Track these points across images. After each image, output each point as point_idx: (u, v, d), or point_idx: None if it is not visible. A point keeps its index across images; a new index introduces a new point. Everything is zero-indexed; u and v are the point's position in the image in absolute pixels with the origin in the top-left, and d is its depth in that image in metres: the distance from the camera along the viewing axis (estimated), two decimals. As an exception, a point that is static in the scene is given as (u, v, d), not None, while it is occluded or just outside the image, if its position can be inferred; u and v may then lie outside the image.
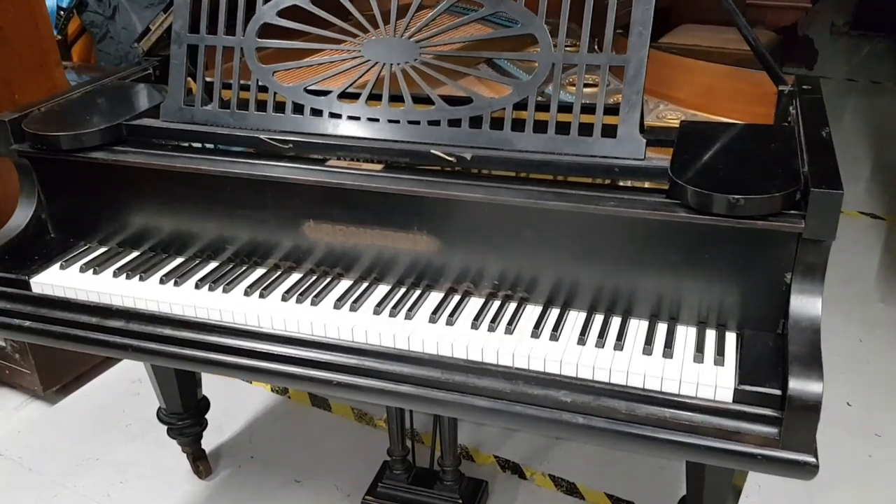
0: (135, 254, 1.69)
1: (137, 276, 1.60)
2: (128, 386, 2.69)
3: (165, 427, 2.19)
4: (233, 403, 2.57)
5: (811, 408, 1.18)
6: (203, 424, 2.23)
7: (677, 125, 1.53)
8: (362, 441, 2.41)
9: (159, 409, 2.17)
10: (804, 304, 1.27)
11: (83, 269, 1.64)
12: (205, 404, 2.22)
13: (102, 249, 1.71)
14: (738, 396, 1.24)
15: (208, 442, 2.40)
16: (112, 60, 3.28)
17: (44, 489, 2.28)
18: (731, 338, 1.35)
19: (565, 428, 1.31)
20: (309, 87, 1.57)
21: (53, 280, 1.62)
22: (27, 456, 2.41)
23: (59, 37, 3.15)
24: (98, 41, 3.30)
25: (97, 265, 1.64)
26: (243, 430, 2.50)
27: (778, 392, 1.21)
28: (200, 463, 2.29)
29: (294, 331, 1.46)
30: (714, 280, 1.33)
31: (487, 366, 1.35)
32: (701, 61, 1.87)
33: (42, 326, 1.61)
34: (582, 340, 1.35)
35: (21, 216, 1.72)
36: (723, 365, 1.28)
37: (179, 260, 1.65)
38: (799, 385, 1.18)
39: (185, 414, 2.16)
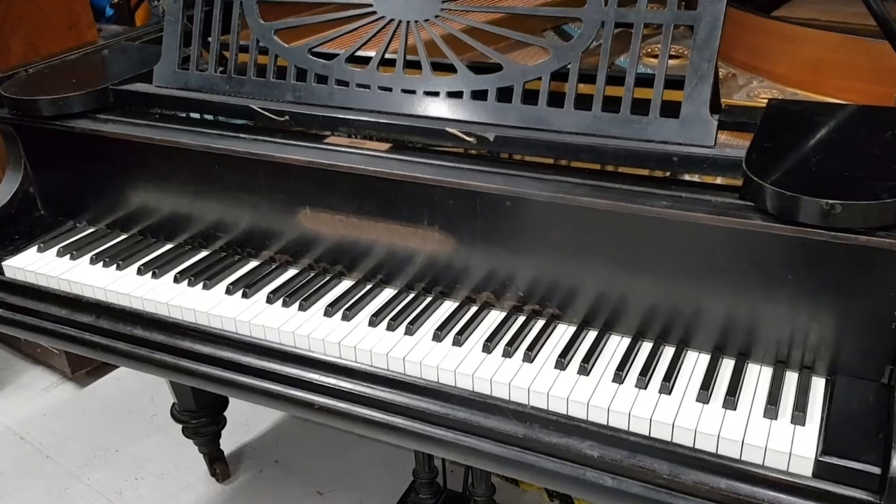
0: (121, 237, 1.48)
1: (115, 265, 1.39)
2: (161, 372, 2.53)
3: (181, 426, 2.01)
4: (265, 399, 2.36)
5: (923, 496, 0.85)
6: (220, 424, 2.04)
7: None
8: (396, 453, 2.16)
9: (173, 405, 1.99)
10: (921, 349, 0.94)
11: (60, 254, 1.44)
12: (221, 402, 2.02)
13: (89, 230, 1.52)
14: (821, 470, 0.92)
15: (234, 440, 2.22)
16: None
17: (57, 480, 2.14)
18: (817, 385, 1.03)
19: (589, 489, 1.02)
20: (314, 49, 1.32)
21: (26, 264, 1.43)
22: (47, 442, 2.28)
23: (118, 1, 3.03)
24: (152, 5, 3.16)
25: (75, 249, 1.44)
26: (271, 429, 2.30)
27: (876, 470, 0.89)
28: (218, 465, 2.10)
29: (274, 341, 1.22)
30: (799, 308, 1.01)
31: (497, 401, 1.07)
32: (807, 28, 1.52)
33: (13, 316, 1.43)
34: (619, 377, 1.06)
35: (5, 190, 1.54)
36: (803, 424, 0.97)
37: (167, 247, 1.44)
38: (907, 463, 0.86)
39: (199, 412, 1.98)
